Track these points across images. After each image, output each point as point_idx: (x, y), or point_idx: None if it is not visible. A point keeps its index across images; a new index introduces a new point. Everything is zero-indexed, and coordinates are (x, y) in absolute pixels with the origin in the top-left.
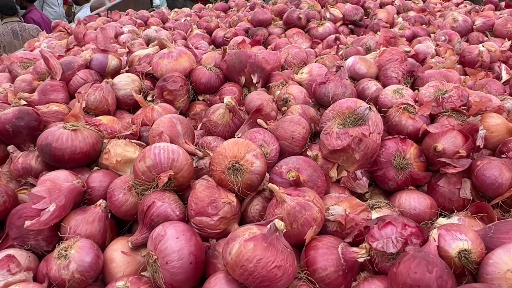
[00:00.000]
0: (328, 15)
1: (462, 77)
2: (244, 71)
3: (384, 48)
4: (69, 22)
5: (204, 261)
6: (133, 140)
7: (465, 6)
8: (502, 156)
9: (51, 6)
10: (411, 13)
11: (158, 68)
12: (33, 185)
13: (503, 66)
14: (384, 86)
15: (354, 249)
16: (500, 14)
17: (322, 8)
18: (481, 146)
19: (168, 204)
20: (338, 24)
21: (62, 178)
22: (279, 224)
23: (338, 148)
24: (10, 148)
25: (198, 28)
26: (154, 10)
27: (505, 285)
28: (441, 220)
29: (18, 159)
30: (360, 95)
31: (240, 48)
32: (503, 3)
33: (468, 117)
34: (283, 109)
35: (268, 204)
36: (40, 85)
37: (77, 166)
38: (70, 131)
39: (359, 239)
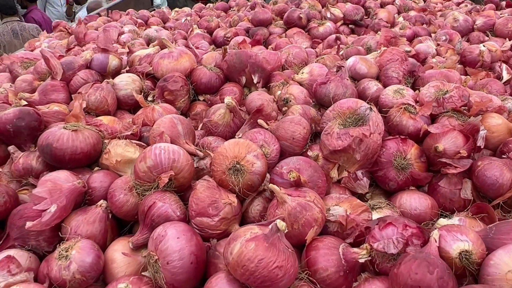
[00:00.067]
0: (328, 15)
1: (463, 77)
2: (245, 71)
3: (385, 48)
4: (70, 21)
5: (205, 261)
6: (133, 141)
7: (466, 5)
8: (503, 156)
9: (53, 6)
10: (412, 13)
11: (158, 68)
12: (34, 186)
13: (504, 66)
14: (385, 86)
15: (355, 249)
16: (501, 14)
17: (322, 7)
18: (482, 147)
19: (169, 204)
20: (339, 24)
21: (63, 179)
22: (281, 224)
23: (339, 148)
24: (11, 148)
25: (198, 28)
26: (154, 9)
27: (506, 286)
28: (442, 221)
29: (19, 159)
30: (361, 95)
31: (240, 48)
32: (504, 3)
33: (469, 117)
34: (283, 109)
35: (268, 205)
36: (41, 85)
37: (78, 166)
38: (70, 132)
39: (360, 239)
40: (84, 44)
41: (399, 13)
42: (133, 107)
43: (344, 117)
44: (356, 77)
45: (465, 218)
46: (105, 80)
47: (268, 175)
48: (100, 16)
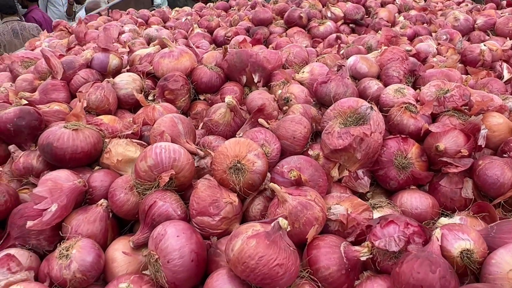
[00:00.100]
0: (329, 14)
1: (464, 76)
2: (245, 71)
3: (386, 47)
4: (71, 21)
5: (205, 258)
6: (134, 140)
7: (467, 5)
8: (504, 155)
9: (55, 6)
10: (412, 12)
11: (159, 68)
12: (34, 185)
13: (505, 65)
14: (386, 85)
15: (357, 248)
16: (501, 13)
17: (323, 7)
18: (483, 146)
19: (170, 203)
20: (339, 23)
21: (64, 178)
22: (283, 222)
23: (340, 147)
24: (12, 147)
25: (199, 27)
26: (155, 9)
27: (508, 285)
28: (443, 220)
29: (19, 158)
30: (362, 95)
31: (241, 47)
32: (504, 2)
33: (470, 117)
34: (284, 108)
35: (269, 204)
36: (41, 85)
37: (78, 165)
38: (71, 131)
39: (361, 238)
40: (84, 43)
41: (399, 12)
42: (133, 106)
43: (345, 116)
44: (356, 76)
45: (466, 217)
46: (105, 80)
47: (268, 174)
48: (100, 15)
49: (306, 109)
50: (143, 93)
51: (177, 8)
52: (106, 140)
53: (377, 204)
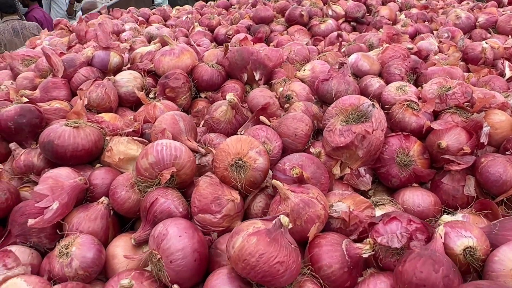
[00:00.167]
0: (330, 12)
1: (466, 74)
2: (247, 68)
3: (387, 45)
4: (73, 19)
5: (207, 256)
6: (135, 138)
7: (468, 3)
8: (507, 153)
9: (58, 5)
10: (414, 10)
11: (160, 65)
12: (35, 183)
13: (507, 63)
14: (387, 83)
15: (358, 245)
16: (503, 11)
17: (324, 5)
18: (485, 143)
19: (171, 200)
20: (340, 21)
21: (64, 176)
22: (284, 220)
23: (341, 145)
24: (12, 145)
25: (199, 25)
26: (155, 7)
27: (511, 282)
28: (446, 217)
29: (20, 156)
30: (363, 92)
31: (242, 45)
32: (506, 0)
33: (472, 114)
34: (285, 106)
35: (271, 202)
36: (42, 83)
37: (79, 163)
38: (72, 128)
39: (363, 236)
40: (85, 41)
41: (400, 10)
42: (134, 104)
43: (347, 114)
44: (358, 74)
45: (468, 214)
46: (106, 77)
47: (270, 172)
48: (101, 14)
49: (308, 106)
50: (144, 91)
51: (177, 7)
52: (107, 138)
53: (379, 202)
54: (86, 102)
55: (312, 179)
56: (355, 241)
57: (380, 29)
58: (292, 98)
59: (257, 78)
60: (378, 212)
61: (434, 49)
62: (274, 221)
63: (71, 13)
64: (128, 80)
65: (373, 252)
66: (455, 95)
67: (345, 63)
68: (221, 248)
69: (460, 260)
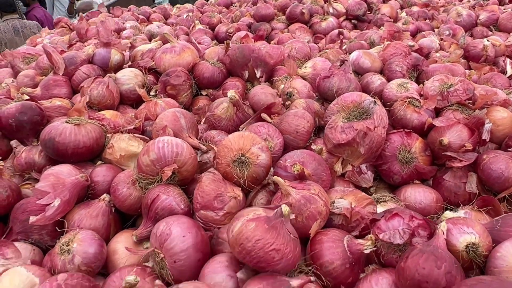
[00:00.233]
0: (331, 10)
1: (467, 71)
2: (248, 66)
3: (388, 42)
4: (74, 18)
5: (209, 253)
6: (136, 135)
7: (469, 0)
8: (509, 149)
9: (62, 4)
10: (415, 8)
11: (161, 63)
12: (37, 180)
13: (508, 60)
14: (389, 80)
15: (360, 241)
16: (504, 9)
17: (325, 3)
18: (487, 140)
19: (173, 197)
20: (341, 19)
21: (66, 173)
22: (285, 209)
23: (343, 142)
24: (13, 143)
25: (200, 23)
26: (156, 6)
27: None
28: (448, 214)
29: (21, 153)
30: (365, 89)
31: (243, 43)
32: None
33: (474, 111)
34: (287, 103)
35: (272, 198)
36: (43, 80)
37: (81, 160)
38: (73, 126)
39: (365, 232)
40: (85, 40)
41: (401, 8)
42: (135, 101)
43: (348, 111)
44: (359, 71)
45: (470, 211)
46: (107, 75)
47: (271, 169)
48: (101, 12)
49: (309, 103)
50: (145, 88)
51: (178, 5)
52: (108, 135)
53: (381, 199)
54: (87, 100)
55: (313, 176)
56: (357, 237)
57: (381, 27)
58: (294, 95)
59: (258, 75)
60: (380, 209)
61: (436, 46)
62: (275, 210)
63: (71, 12)
64: (129, 77)
65: (375, 248)
66: (456, 92)
67: (347, 60)
68: (222, 237)
69: (462, 257)
